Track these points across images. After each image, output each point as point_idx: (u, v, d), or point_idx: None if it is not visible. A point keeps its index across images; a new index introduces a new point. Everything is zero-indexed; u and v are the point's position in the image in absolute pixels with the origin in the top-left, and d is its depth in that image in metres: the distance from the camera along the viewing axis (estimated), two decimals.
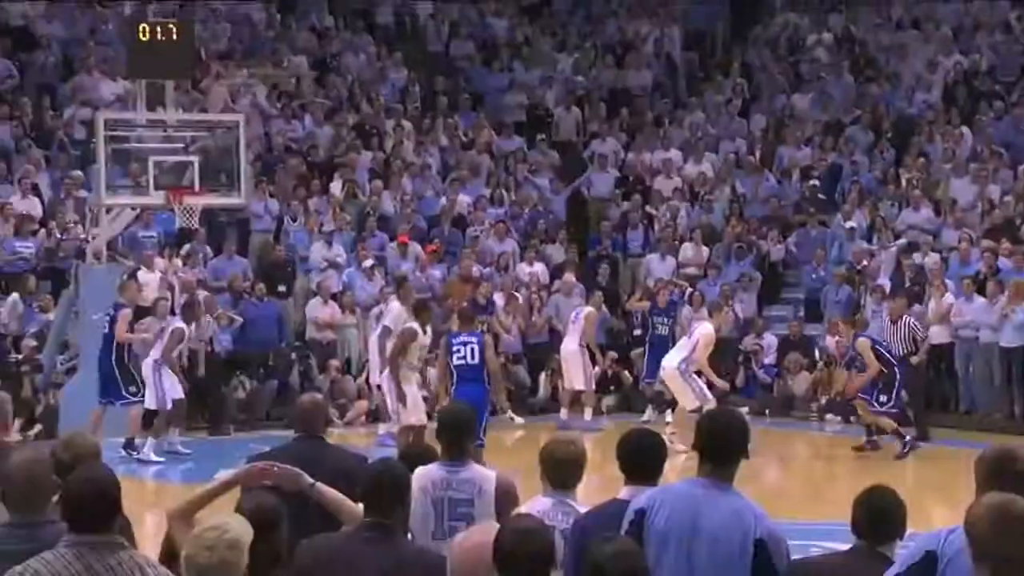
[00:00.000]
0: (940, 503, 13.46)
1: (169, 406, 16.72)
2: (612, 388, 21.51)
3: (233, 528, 4.37)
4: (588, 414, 19.69)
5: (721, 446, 5.21)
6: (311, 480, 5.98)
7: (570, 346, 19.75)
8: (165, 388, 16.69)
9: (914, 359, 18.12)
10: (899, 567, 4.63)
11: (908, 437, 16.98)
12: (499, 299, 21.21)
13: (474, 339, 14.03)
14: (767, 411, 20.87)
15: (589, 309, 20.14)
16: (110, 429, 16.01)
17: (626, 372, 21.65)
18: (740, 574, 5.05)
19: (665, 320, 19.92)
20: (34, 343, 18.77)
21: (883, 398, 17.00)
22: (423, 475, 6.41)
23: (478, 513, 6.27)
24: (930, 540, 4.62)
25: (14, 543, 4.88)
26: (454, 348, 13.83)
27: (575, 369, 19.62)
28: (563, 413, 19.62)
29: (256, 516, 4.71)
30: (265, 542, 4.82)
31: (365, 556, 5.24)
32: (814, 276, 22.57)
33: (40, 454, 5.35)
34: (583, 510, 5.79)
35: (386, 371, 15.76)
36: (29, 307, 19.51)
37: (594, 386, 19.99)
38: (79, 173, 22.02)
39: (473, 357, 13.78)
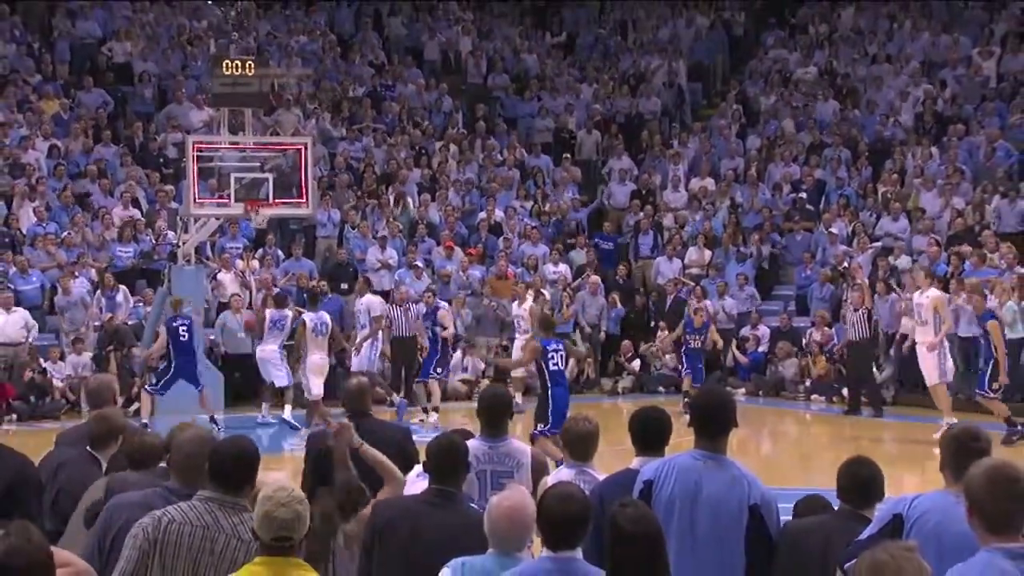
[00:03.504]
0: (912, 472, 13.37)
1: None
2: (627, 373, 21.48)
3: (296, 488, 4.40)
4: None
5: (714, 422, 5.19)
6: (360, 440, 6.00)
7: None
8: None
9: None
10: (872, 529, 4.60)
11: (1020, 426, 15.43)
12: (528, 296, 21.17)
13: (560, 346, 13.27)
14: (760, 392, 20.82)
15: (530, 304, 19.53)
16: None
17: (637, 359, 21.61)
18: (737, 536, 5.02)
19: (697, 336, 19.37)
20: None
21: (995, 385, 15.50)
22: (468, 450, 6.39)
23: (518, 483, 6.23)
24: (898, 504, 4.59)
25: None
26: (549, 355, 13.06)
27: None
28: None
29: (344, 494, 4.72)
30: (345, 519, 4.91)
31: (430, 518, 5.23)
32: (803, 276, 22.49)
33: (204, 431, 5.32)
34: (601, 478, 5.77)
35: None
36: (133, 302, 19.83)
37: None
38: (171, 188, 22.16)
39: (562, 363, 13.13)
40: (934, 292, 16.42)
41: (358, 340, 18.35)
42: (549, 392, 12.71)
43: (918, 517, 4.48)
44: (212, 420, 16.19)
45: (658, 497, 5.08)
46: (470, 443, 6.38)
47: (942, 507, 4.49)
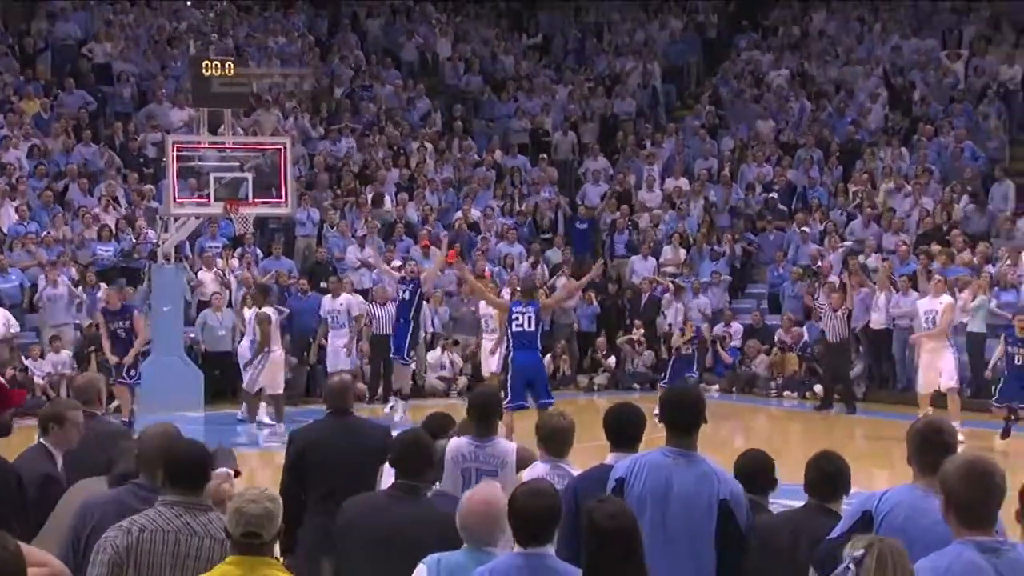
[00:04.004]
0: (880, 467, 13.43)
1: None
2: (602, 369, 21.50)
3: (270, 488, 4.40)
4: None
5: (684, 419, 5.19)
6: None
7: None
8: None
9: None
10: (841, 527, 4.60)
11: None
12: (506, 293, 21.15)
13: (531, 308, 13.11)
14: (733, 389, 20.88)
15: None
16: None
17: (612, 357, 21.65)
18: (708, 530, 5.03)
19: (689, 344, 19.09)
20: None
21: None
22: (455, 448, 6.41)
23: (502, 482, 6.24)
24: (867, 501, 4.61)
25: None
26: (514, 315, 12.93)
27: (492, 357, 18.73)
28: None
29: None
30: None
31: (393, 511, 5.29)
32: (775, 274, 22.56)
33: (172, 428, 5.25)
34: (575, 473, 5.78)
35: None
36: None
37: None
38: (151, 187, 22.07)
39: (530, 325, 12.99)
40: (947, 298, 16.56)
41: (346, 340, 18.32)
42: (510, 358, 12.80)
43: (887, 512, 4.50)
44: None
45: (630, 494, 5.08)
46: (458, 441, 6.44)
47: (910, 501, 4.50)
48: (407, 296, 17.56)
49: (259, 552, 4.22)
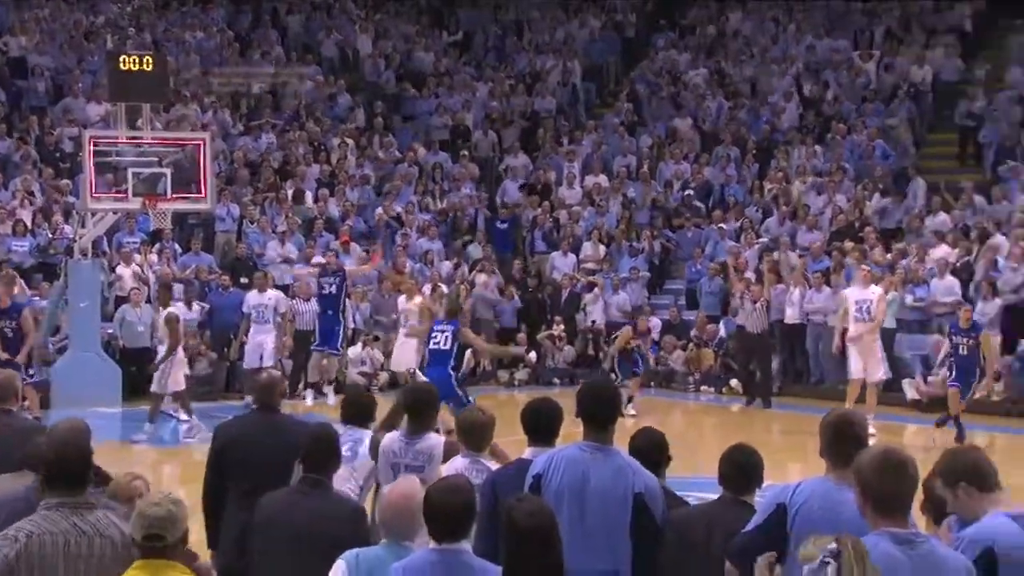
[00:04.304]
0: (794, 459, 13.59)
1: None
2: (523, 365, 21.52)
3: (173, 492, 4.36)
4: None
5: (600, 413, 5.22)
6: None
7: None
8: None
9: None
10: (756, 520, 4.65)
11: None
12: (427, 290, 21.11)
13: (451, 328, 13.11)
14: (652, 384, 20.99)
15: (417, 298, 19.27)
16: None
17: (532, 352, 21.66)
18: (624, 523, 5.05)
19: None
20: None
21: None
22: (387, 443, 6.48)
23: (428, 477, 6.25)
24: (780, 494, 4.65)
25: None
26: (433, 333, 12.96)
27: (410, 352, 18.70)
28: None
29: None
30: None
31: (299, 506, 5.31)
32: (693, 270, 22.75)
33: (80, 424, 5.16)
34: (493, 467, 5.78)
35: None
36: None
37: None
38: (67, 182, 21.71)
39: (446, 343, 12.99)
40: (878, 289, 16.46)
41: (272, 335, 18.13)
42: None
43: (801, 505, 4.54)
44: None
45: (547, 490, 5.10)
46: (391, 436, 6.54)
47: (823, 493, 4.56)
48: (333, 290, 17.51)
49: (163, 555, 4.15)
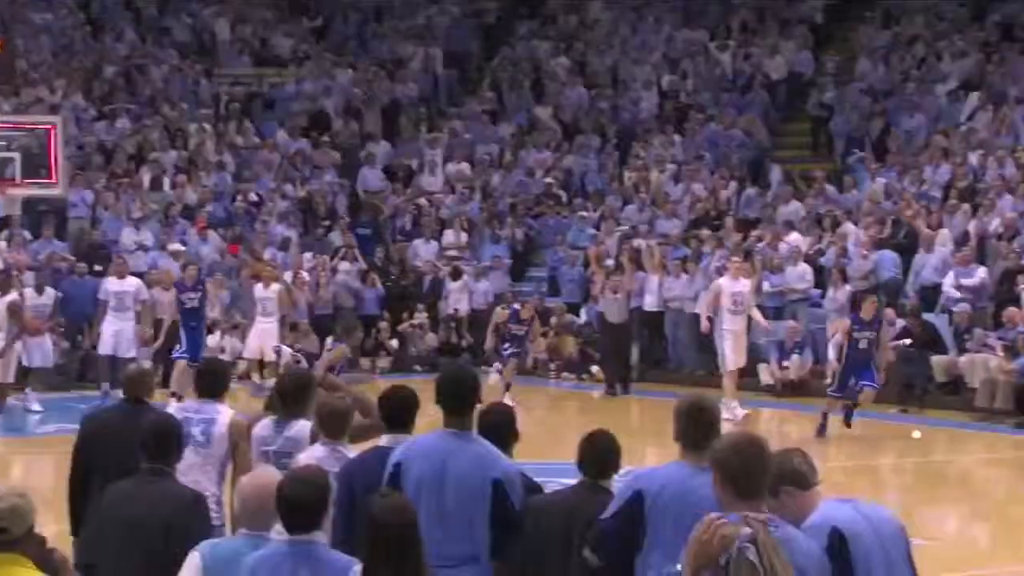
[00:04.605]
0: (653, 444, 13.78)
1: None
2: (385, 352, 21.45)
3: (20, 486, 4.22)
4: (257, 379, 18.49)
5: (458, 400, 5.21)
6: None
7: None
8: None
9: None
10: (613, 506, 4.68)
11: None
12: (288, 276, 20.85)
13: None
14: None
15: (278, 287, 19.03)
16: None
17: (395, 339, 21.62)
18: (483, 511, 5.06)
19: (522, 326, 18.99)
20: None
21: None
22: (258, 429, 6.49)
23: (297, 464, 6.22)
24: (637, 480, 4.71)
25: None
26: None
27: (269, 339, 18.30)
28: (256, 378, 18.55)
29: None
30: None
31: (138, 495, 5.29)
32: (555, 258, 22.91)
33: None
34: (352, 455, 5.74)
35: None
36: None
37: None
38: None
39: None
40: (748, 281, 16.54)
41: (132, 323, 17.66)
42: None
43: (657, 491, 4.60)
44: None
45: (407, 478, 5.08)
46: (262, 423, 6.53)
47: (679, 479, 4.61)
48: (196, 304, 17.22)
49: (9, 548, 4.03)
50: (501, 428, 5.40)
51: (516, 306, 18.61)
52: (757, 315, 16.69)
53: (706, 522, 3.60)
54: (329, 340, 20.55)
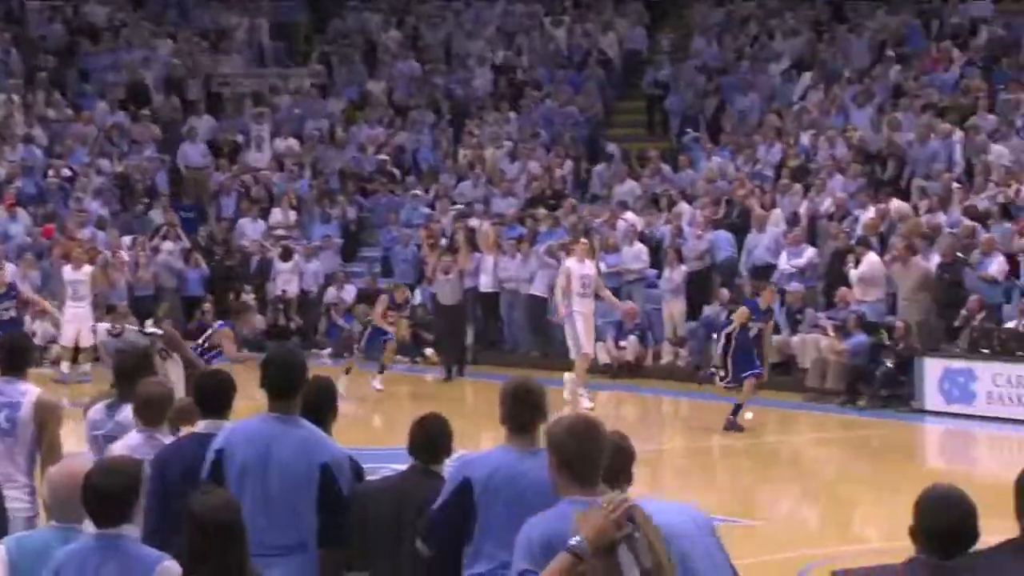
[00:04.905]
0: (487, 428, 13.84)
1: None
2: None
3: None
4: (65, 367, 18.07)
5: (284, 384, 5.16)
6: None
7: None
8: None
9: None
10: (443, 496, 4.69)
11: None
12: (108, 254, 20.32)
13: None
14: (345, 353, 20.93)
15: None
16: None
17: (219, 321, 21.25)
18: (309, 496, 5.02)
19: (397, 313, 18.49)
20: None
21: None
22: (92, 413, 6.42)
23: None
24: (464, 467, 4.74)
25: None
26: None
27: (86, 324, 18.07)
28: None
29: None
30: None
31: None
32: (388, 237, 22.82)
33: None
34: (168, 442, 5.64)
35: None
36: None
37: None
38: None
39: None
40: (578, 263, 16.44)
41: None
42: None
43: (486, 477, 4.62)
44: None
45: (230, 466, 5.02)
46: (94, 408, 6.47)
47: (507, 464, 4.64)
48: (13, 313, 16.64)
49: None
50: (321, 403, 5.35)
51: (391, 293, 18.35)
52: (610, 296, 16.85)
53: (607, 499, 3.63)
54: (149, 323, 20.33)
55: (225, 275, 22.13)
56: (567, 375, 15.72)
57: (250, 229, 22.67)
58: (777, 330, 17.51)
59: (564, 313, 16.15)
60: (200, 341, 13.60)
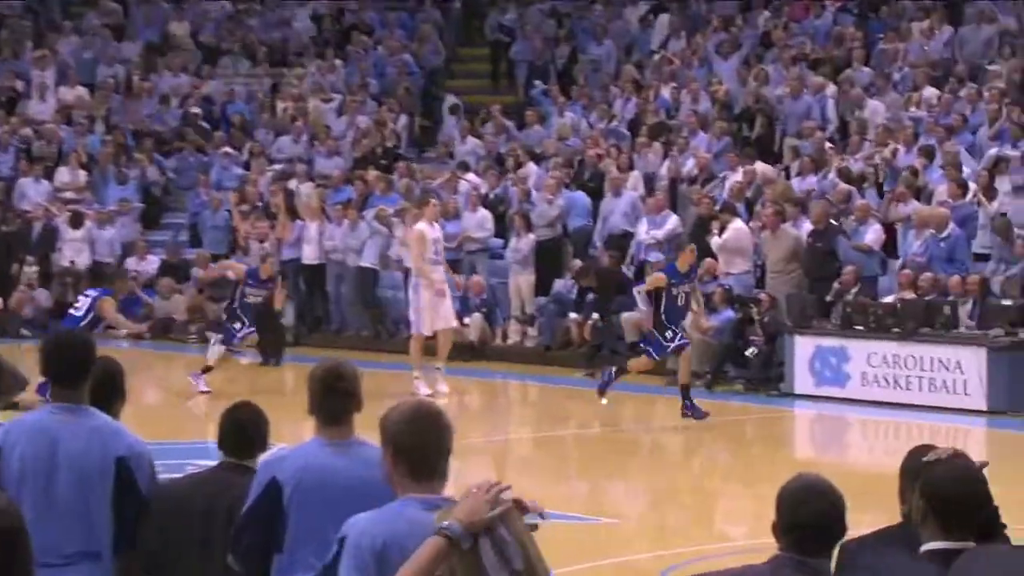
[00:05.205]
0: (309, 419, 13.75)
1: None
2: None
3: None
4: None
5: (70, 369, 5.05)
6: None
7: None
8: None
9: None
10: (250, 501, 4.66)
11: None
12: None
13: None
14: (147, 334, 20.62)
15: None
16: None
17: None
18: (102, 493, 4.93)
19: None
20: None
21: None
22: None
23: None
24: (271, 466, 4.71)
25: None
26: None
27: None
28: None
29: None
30: None
31: None
32: (196, 201, 22.54)
33: None
34: None
35: None
36: None
37: None
38: None
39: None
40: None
41: None
42: None
43: (295, 476, 4.60)
44: None
45: (8, 464, 4.90)
46: None
47: (320, 462, 4.62)
48: None
49: None
50: (104, 388, 5.23)
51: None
52: (436, 269, 16.80)
53: (478, 485, 3.63)
54: None
55: (3, 243, 21.62)
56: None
57: (32, 191, 22.26)
58: (628, 305, 17.63)
59: (427, 296, 15.96)
60: (81, 313, 13.14)
